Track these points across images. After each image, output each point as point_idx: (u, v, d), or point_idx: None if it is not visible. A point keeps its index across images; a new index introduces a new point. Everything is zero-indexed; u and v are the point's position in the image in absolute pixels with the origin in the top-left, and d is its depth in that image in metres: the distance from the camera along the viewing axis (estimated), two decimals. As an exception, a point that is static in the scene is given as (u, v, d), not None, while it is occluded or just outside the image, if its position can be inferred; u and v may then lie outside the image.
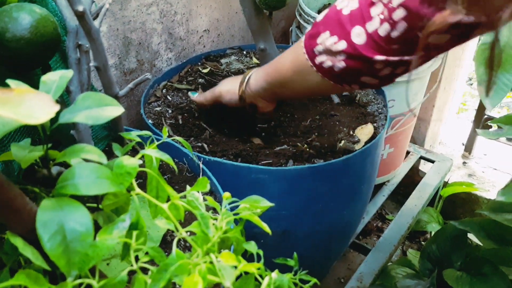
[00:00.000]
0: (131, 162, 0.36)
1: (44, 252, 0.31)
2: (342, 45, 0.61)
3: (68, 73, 0.35)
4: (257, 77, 0.77)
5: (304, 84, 0.69)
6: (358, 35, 0.59)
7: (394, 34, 0.57)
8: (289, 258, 0.47)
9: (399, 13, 0.55)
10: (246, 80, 0.78)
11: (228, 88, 0.81)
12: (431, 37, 0.52)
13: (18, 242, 0.30)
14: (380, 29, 0.57)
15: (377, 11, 0.57)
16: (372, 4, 0.58)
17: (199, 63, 1.06)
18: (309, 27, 1.11)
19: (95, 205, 0.44)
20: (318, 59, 0.64)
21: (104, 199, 0.38)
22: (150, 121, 0.85)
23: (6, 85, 0.35)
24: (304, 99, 0.95)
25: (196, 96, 0.88)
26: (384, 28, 0.57)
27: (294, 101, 0.95)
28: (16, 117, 0.22)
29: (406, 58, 0.58)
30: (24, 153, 0.36)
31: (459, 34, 0.54)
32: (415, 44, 0.53)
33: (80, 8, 0.41)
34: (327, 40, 0.62)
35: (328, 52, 0.62)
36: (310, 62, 0.65)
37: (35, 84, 0.54)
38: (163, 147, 0.47)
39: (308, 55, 0.66)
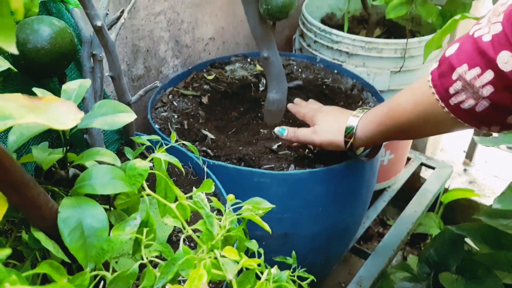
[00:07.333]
0: (143, 165, 0.39)
1: (63, 245, 0.34)
2: (488, 76, 0.52)
3: (86, 82, 0.38)
4: (365, 128, 0.72)
5: (430, 127, 0.63)
6: (506, 61, 0.51)
7: None
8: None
9: None
10: (354, 135, 0.72)
11: (330, 141, 0.75)
12: None
13: (41, 236, 0.33)
14: None
15: None
16: None
17: (205, 70, 1.09)
18: (311, 34, 1.15)
19: (107, 206, 0.47)
20: (455, 100, 0.56)
21: (116, 198, 0.41)
22: (156, 126, 0.88)
23: (29, 91, 0.38)
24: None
25: (288, 135, 0.80)
26: None
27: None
28: (46, 123, 0.25)
29: None
30: (45, 155, 0.39)
31: None
32: None
33: (98, 23, 0.44)
34: (466, 74, 0.54)
35: (470, 88, 0.54)
36: (443, 104, 0.57)
37: (51, 90, 0.57)
38: (169, 151, 0.50)
39: (440, 95, 0.58)
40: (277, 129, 0.81)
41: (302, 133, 0.78)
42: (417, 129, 0.65)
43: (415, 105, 0.62)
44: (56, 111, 0.27)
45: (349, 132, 0.73)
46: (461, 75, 0.55)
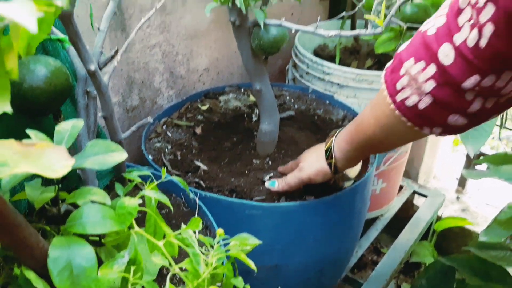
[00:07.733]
0: (132, 203, 0.40)
1: (54, 285, 0.35)
2: (431, 70, 0.51)
3: (79, 123, 0.40)
4: (341, 147, 0.73)
5: (393, 136, 0.63)
6: (446, 54, 0.50)
7: (482, 42, 0.46)
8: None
9: (487, 12, 0.44)
10: (333, 155, 0.74)
11: (316, 170, 0.77)
12: None
13: (32, 276, 0.34)
14: (469, 38, 0.47)
15: (465, 17, 0.48)
16: (460, 11, 0.48)
17: (199, 100, 1.11)
18: (303, 66, 1.18)
19: (97, 238, 0.48)
20: (401, 95, 0.55)
21: (106, 236, 0.42)
22: (150, 156, 0.90)
23: (23, 129, 0.40)
24: (301, 138, 0.99)
25: (279, 187, 0.80)
26: (473, 36, 0.47)
27: (286, 140, 0.99)
28: (37, 171, 0.27)
29: (498, 84, 0.49)
30: (37, 193, 0.40)
31: None
32: (509, 60, 0.45)
33: (92, 67, 0.46)
34: (412, 68, 0.53)
35: (414, 83, 0.53)
36: (390, 100, 0.57)
37: (45, 126, 0.59)
38: (162, 181, 0.51)
39: (389, 91, 0.57)
40: (267, 184, 0.82)
41: (290, 177, 0.80)
42: (384, 140, 0.65)
43: (376, 117, 0.62)
44: (48, 157, 0.29)
45: (328, 154, 0.76)
46: (407, 70, 0.54)
